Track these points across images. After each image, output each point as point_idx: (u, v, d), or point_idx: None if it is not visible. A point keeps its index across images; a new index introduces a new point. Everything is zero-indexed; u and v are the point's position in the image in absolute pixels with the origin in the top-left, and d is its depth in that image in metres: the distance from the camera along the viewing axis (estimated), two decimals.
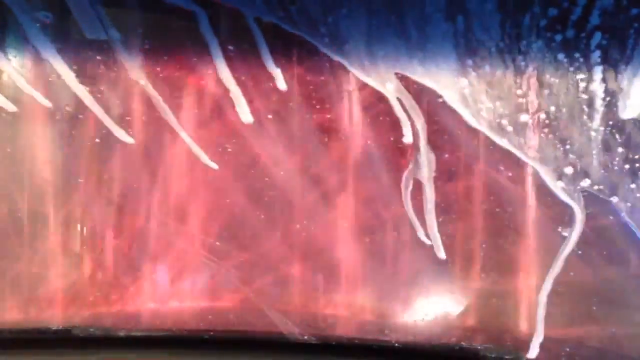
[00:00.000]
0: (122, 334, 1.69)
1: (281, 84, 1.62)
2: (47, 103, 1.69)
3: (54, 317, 1.74)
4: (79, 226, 1.76)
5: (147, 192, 1.74)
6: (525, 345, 1.61)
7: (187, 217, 1.76)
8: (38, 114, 1.71)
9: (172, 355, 1.66)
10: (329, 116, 1.67)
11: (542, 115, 1.58)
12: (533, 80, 1.56)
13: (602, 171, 1.57)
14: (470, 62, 1.55)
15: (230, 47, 1.61)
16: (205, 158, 1.70)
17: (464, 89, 1.58)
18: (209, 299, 1.78)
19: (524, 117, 1.58)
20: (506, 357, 1.61)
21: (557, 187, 1.59)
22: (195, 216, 1.74)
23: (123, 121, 1.71)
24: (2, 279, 1.74)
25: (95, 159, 1.74)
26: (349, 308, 1.74)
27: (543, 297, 1.61)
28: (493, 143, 1.61)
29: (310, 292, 1.75)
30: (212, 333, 1.71)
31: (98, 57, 1.64)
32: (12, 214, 1.75)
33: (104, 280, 1.77)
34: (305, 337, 1.68)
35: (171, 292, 1.78)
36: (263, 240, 1.73)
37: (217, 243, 1.74)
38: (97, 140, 1.73)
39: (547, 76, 1.55)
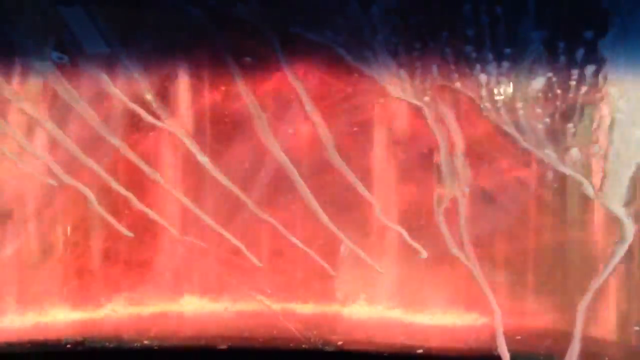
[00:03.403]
0: (136, 345, 1.65)
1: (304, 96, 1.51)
2: None
3: None
4: None
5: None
6: (562, 352, 1.54)
7: None
8: None
9: None
10: (355, 129, 1.56)
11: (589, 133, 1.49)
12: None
13: None
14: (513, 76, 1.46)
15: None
16: None
17: (506, 102, 1.48)
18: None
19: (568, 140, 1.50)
20: None
21: (602, 200, 1.50)
22: None
23: None
24: None
25: None
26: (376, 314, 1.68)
27: (583, 307, 1.53)
28: (534, 155, 1.51)
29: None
30: (230, 343, 1.66)
31: None
32: None
33: None
34: (326, 347, 1.62)
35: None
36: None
37: None
38: None
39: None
